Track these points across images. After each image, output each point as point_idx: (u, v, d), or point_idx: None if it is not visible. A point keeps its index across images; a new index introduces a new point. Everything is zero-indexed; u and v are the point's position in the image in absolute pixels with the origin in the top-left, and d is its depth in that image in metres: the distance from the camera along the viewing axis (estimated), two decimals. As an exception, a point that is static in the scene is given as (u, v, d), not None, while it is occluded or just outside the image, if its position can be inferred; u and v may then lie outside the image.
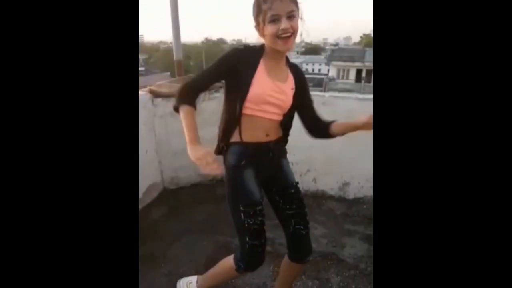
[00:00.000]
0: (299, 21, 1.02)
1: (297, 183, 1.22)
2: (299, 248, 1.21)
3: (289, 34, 0.99)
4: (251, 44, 1.11)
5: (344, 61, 27.21)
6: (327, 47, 54.84)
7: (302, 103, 1.19)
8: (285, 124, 1.20)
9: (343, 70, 27.74)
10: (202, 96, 2.42)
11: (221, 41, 68.74)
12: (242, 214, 1.09)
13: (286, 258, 1.27)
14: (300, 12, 1.02)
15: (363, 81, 23.37)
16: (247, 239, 1.11)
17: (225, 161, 1.16)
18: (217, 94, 2.53)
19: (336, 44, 65.02)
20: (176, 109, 1.06)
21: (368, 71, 26.38)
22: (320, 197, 2.47)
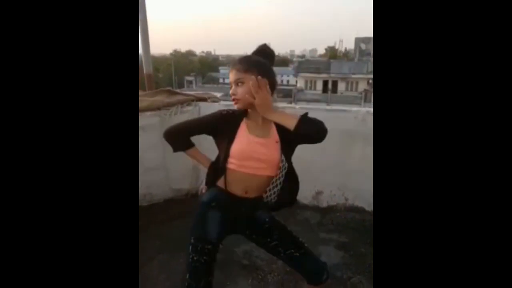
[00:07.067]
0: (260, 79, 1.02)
1: (272, 216, 1.24)
2: (303, 269, 1.23)
3: (234, 98, 1.10)
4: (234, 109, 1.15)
5: (311, 72, 28.04)
6: (294, 59, 56.27)
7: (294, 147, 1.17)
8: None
9: (311, 81, 28.55)
10: (174, 109, 2.41)
11: (190, 53, 68.40)
12: (190, 246, 1.11)
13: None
14: (259, 72, 1.04)
15: (329, 92, 24.18)
16: (187, 276, 1.09)
17: (200, 195, 1.25)
18: (189, 108, 2.50)
19: (303, 56, 66.92)
20: (176, 151, 1.24)
21: (333, 82, 27.30)
22: (295, 206, 2.50)
